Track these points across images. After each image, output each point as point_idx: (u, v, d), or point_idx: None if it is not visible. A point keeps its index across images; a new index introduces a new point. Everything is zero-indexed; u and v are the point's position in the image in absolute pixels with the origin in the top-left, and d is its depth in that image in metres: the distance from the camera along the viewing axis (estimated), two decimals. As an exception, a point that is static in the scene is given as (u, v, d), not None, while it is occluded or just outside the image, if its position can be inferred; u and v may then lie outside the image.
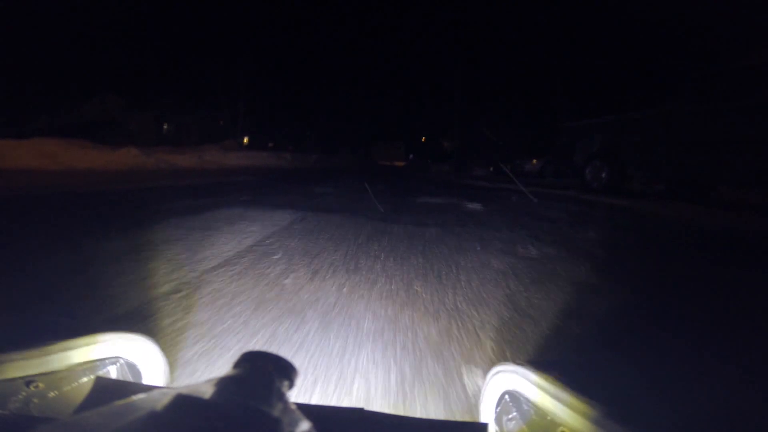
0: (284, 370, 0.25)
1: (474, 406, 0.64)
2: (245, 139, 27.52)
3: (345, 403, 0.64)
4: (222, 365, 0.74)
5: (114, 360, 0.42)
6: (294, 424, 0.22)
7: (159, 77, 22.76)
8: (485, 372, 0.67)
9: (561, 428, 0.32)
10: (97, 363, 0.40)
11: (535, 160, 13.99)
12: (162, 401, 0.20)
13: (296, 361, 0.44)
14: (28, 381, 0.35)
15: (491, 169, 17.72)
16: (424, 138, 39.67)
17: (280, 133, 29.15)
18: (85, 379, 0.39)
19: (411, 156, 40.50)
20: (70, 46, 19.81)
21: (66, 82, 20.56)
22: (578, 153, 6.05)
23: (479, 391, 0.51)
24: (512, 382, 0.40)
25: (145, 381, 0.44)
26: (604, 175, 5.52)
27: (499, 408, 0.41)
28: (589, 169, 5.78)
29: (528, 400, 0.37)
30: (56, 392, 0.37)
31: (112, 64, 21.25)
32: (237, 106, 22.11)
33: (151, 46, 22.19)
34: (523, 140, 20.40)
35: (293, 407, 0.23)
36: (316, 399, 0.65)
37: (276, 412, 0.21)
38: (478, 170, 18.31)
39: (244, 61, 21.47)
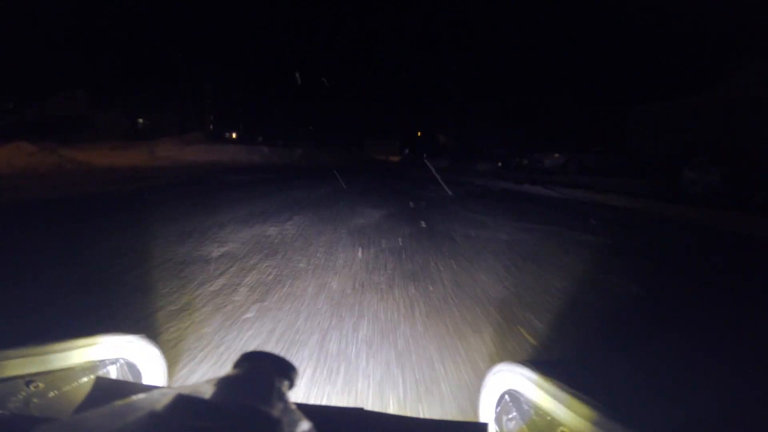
0: (284, 370, 0.26)
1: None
2: (233, 134, 27.61)
3: None
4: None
5: (114, 360, 0.43)
6: (294, 424, 0.22)
7: (133, 71, 22.50)
8: None
9: (561, 428, 0.34)
10: (97, 363, 0.42)
11: (557, 154, 13.03)
12: (162, 401, 0.20)
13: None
14: (28, 381, 0.36)
15: (499, 164, 17.51)
16: (419, 132, 39.74)
17: (271, 128, 29.26)
18: (85, 379, 0.40)
19: (406, 151, 40.54)
20: (35, 40, 19.54)
21: (30, 78, 20.18)
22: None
23: None
24: (512, 382, 0.41)
25: (145, 381, 0.45)
26: (715, 178, 4.34)
27: (499, 408, 0.43)
28: (688, 170, 4.68)
29: (528, 400, 0.38)
30: (56, 392, 0.38)
31: (80, 58, 20.93)
32: (207, 97, 22.09)
33: (124, 39, 21.94)
34: (542, 131, 19.62)
35: (293, 407, 0.24)
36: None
37: (276, 412, 0.22)
38: (483, 165, 18.10)
39: (226, 54, 21.48)
